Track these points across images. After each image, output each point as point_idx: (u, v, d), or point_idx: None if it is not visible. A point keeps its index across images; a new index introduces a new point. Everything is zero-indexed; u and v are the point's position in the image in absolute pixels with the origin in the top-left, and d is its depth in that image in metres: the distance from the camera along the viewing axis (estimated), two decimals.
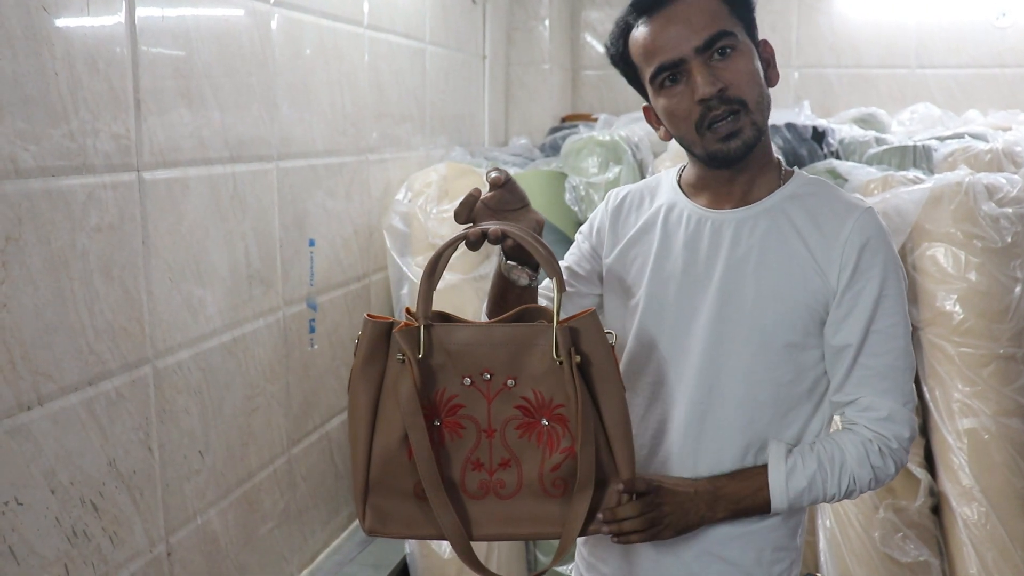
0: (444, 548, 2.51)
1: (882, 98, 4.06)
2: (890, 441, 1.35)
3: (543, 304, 1.42)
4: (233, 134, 1.98)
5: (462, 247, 1.26)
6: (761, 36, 1.40)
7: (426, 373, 1.22)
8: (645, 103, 1.46)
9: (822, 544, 2.46)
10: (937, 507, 2.49)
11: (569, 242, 2.82)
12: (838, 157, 3.17)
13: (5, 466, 1.42)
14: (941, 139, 3.18)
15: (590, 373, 1.23)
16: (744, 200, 1.41)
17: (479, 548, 2.45)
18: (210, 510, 1.95)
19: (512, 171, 3.07)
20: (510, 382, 1.23)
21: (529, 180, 2.97)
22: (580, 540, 1.60)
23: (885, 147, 3.11)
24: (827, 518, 2.46)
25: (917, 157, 3.05)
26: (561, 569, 2.56)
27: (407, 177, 2.89)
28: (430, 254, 2.74)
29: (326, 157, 2.43)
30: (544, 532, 1.27)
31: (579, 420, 1.21)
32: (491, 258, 2.77)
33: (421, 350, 1.21)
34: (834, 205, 1.39)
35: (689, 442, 1.40)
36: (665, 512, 1.33)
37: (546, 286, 1.49)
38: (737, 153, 1.34)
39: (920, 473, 2.45)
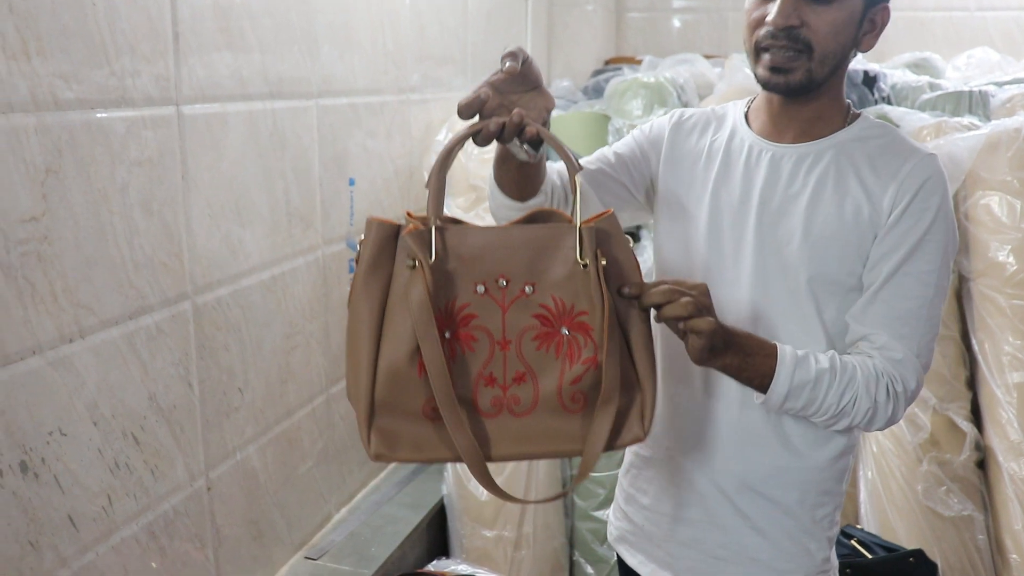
0: (481, 490, 2.51)
1: (937, 42, 3.92)
2: (898, 383, 1.28)
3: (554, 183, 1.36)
4: (273, 71, 1.96)
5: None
6: None
7: (437, 280, 1.10)
8: None
9: (862, 495, 2.43)
10: (983, 462, 2.44)
11: None
12: (889, 103, 3.08)
13: (49, 397, 1.43)
14: (999, 84, 3.07)
15: (613, 277, 1.15)
16: (805, 135, 1.37)
17: (518, 477, 2.47)
18: (249, 447, 1.97)
19: (555, 113, 3.02)
20: (528, 288, 1.13)
21: (571, 122, 2.92)
22: (621, 472, 1.60)
23: (939, 92, 3.00)
24: (868, 469, 2.43)
25: (973, 103, 2.94)
26: (598, 514, 2.57)
27: (448, 118, 2.86)
28: (471, 195, 2.73)
29: (367, 96, 2.40)
30: (563, 450, 1.16)
31: (606, 327, 1.12)
32: None
33: (433, 254, 1.09)
34: (897, 147, 1.34)
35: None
36: (706, 304, 1.19)
37: (560, 171, 1.41)
38: (777, 88, 1.31)
39: (966, 426, 2.41)
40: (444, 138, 2.77)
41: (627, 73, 3.05)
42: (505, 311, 1.13)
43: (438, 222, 1.10)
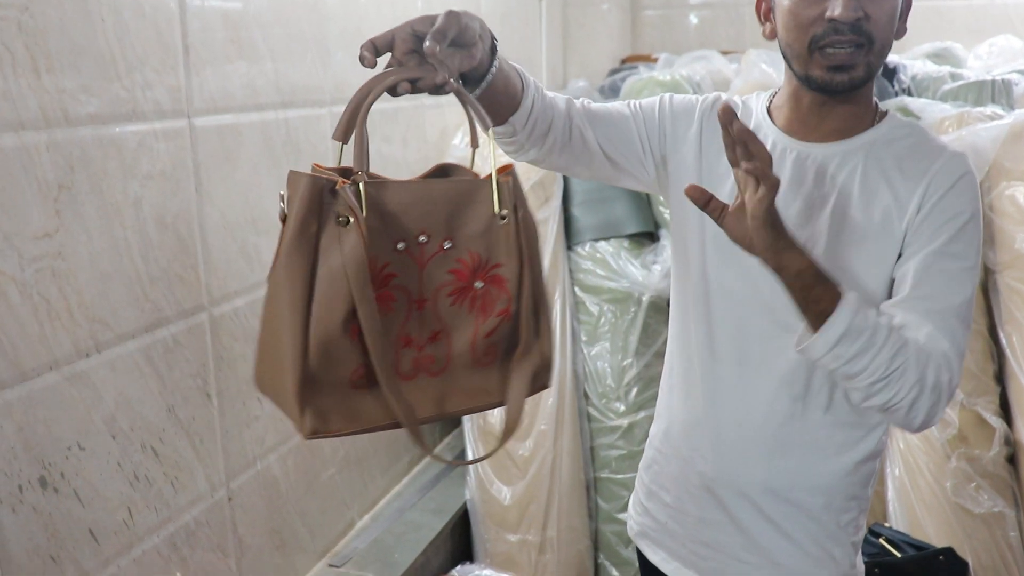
0: (505, 494, 2.51)
1: (958, 31, 3.86)
2: (943, 373, 1.20)
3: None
4: (285, 80, 1.96)
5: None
6: None
7: None
8: None
9: (890, 493, 2.39)
10: (1013, 457, 2.40)
11: (629, 194, 2.77)
12: (910, 94, 3.03)
13: (67, 412, 1.44)
14: (1023, 72, 3.02)
15: (523, 230, 1.12)
16: (833, 136, 1.33)
17: (542, 479, 2.40)
18: (270, 456, 1.97)
19: None
20: (447, 244, 1.08)
21: None
22: (641, 467, 1.57)
23: (961, 83, 2.96)
24: (896, 466, 2.39)
25: (996, 92, 2.89)
26: (622, 516, 2.55)
27: (464, 121, 2.84)
28: None
29: (380, 102, 2.38)
30: (482, 404, 1.13)
31: (524, 278, 1.10)
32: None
33: (363, 209, 1.01)
34: (926, 146, 1.31)
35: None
36: (775, 184, 1.11)
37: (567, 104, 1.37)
38: (840, 87, 1.25)
39: (996, 421, 2.36)
40: (460, 142, 2.76)
41: (643, 71, 3.03)
42: (423, 268, 1.07)
43: (365, 176, 1.02)
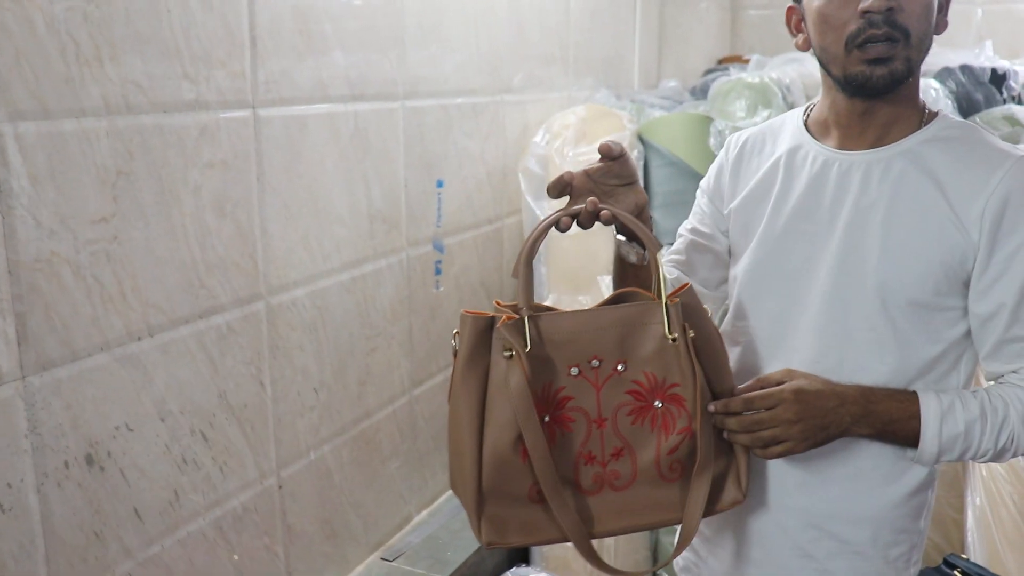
0: None
1: None
2: None
3: (672, 277, 1.41)
4: (356, 73, 1.97)
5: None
6: None
7: (533, 367, 1.15)
8: (792, 2, 1.33)
9: (970, 523, 2.26)
10: None
11: None
12: (1019, 103, 2.86)
13: (116, 392, 1.47)
14: None
15: (701, 347, 1.19)
16: (878, 141, 1.27)
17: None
18: (324, 446, 1.98)
19: (657, 114, 2.94)
20: (620, 367, 1.17)
21: (673, 123, 2.83)
22: None
23: None
24: (977, 495, 2.26)
25: None
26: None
27: (546, 119, 2.82)
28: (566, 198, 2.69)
29: (458, 97, 2.39)
30: (665, 519, 1.21)
31: (698, 397, 1.17)
32: None
33: (528, 343, 1.15)
34: (982, 152, 1.23)
35: None
36: (786, 418, 1.20)
37: (670, 258, 1.47)
38: (880, 82, 1.21)
39: None
40: (541, 139, 2.74)
41: (733, 73, 2.94)
42: (599, 390, 1.17)
43: (529, 311, 1.15)
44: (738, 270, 1.39)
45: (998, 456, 1.24)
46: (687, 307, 1.19)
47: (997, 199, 1.18)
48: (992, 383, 1.28)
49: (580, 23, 3.08)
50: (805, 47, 1.30)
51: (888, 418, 1.22)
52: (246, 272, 1.71)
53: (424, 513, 2.42)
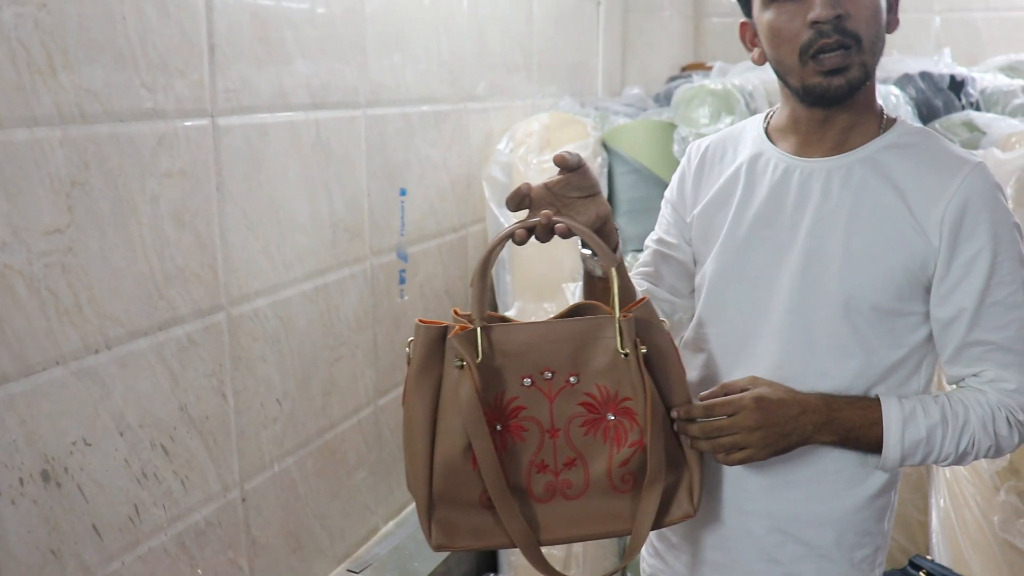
0: None
1: None
2: (1018, 413, 1.24)
3: (642, 289, 1.41)
4: (317, 81, 1.95)
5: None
6: None
7: (485, 377, 1.18)
8: (744, 18, 1.34)
9: (934, 524, 2.28)
10: None
11: None
12: (978, 109, 2.90)
13: (73, 407, 1.44)
14: None
15: (654, 362, 1.21)
16: (838, 148, 1.28)
17: (565, 545, 2.41)
18: (288, 458, 1.96)
19: (620, 121, 2.95)
20: (572, 379, 1.19)
21: (637, 130, 2.85)
22: None
23: None
24: (941, 497, 2.28)
25: None
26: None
27: (509, 127, 2.82)
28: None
29: (421, 105, 2.38)
30: (614, 530, 1.23)
31: (648, 412, 1.18)
32: None
33: (480, 354, 1.17)
34: (941, 158, 1.24)
35: None
36: (747, 425, 1.21)
37: (639, 271, 1.46)
38: (838, 92, 1.22)
39: None
40: (505, 147, 2.73)
41: (696, 80, 2.96)
42: (552, 401, 1.19)
43: (482, 322, 1.17)
44: (701, 277, 1.39)
45: (959, 460, 1.26)
46: (641, 322, 1.20)
47: (956, 205, 1.20)
48: (953, 387, 1.29)
49: (543, 31, 3.09)
50: (761, 61, 1.31)
51: (850, 425, 1.24)
52: (206, 283, 1.69)
53: (391, 524, 2.40)
